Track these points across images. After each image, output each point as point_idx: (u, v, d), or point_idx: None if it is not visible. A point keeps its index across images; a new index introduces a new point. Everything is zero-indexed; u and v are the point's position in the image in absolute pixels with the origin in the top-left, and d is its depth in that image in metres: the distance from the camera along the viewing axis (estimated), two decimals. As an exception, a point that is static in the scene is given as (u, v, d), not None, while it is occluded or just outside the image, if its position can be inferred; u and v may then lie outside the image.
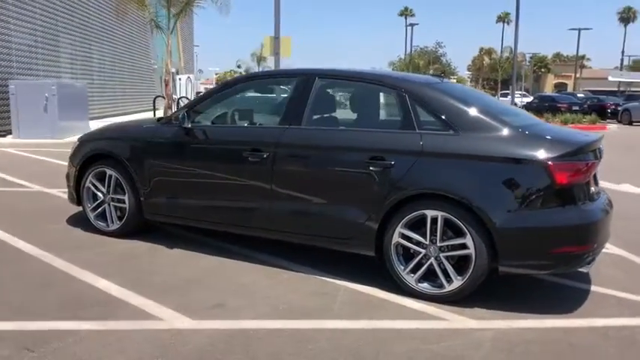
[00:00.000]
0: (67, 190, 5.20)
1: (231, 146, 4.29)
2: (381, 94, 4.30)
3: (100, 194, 4.87)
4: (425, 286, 3.65)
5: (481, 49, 74.26)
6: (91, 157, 4.88)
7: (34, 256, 4.32)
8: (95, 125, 15.27)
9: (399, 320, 3.35)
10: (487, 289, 3.61)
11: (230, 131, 4.47)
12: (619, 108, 27.61)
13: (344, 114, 4.32)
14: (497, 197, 3.44)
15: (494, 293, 3.71)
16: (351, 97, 4.38)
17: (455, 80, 29.71)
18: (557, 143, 3.53)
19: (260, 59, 65.01)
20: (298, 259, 4.34)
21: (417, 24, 58.11)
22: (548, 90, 63.26)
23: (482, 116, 3.68)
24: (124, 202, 4.74)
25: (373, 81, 4.21)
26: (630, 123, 25.47)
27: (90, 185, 4.90)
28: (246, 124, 4.64)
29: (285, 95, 5.98)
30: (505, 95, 44.30)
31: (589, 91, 44.83)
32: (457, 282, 3.53)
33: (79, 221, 5.24)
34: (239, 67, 79.05)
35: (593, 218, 3.49)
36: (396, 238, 3.67)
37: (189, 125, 4.37)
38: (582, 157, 3.51)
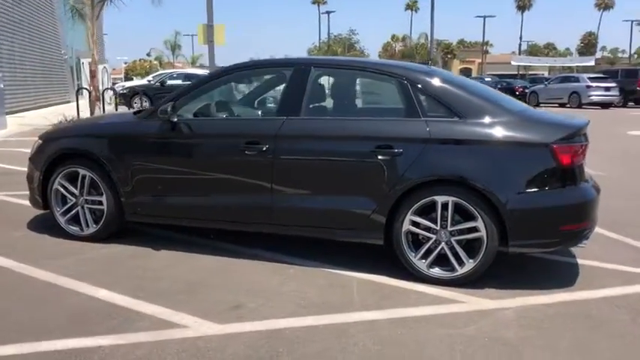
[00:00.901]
0: (12, 192, 4.74)
1: (225, 140, 4.11)
2: (381, 83, 4.27)
3: (70, 197, 4.50)
4: (436, 271, 3.70)
5: (393, 36, 76.30)
6: (58, 156, 4.48)
7: (9, 268, 3.91)
8: (12, 121, 14.11)
9: (421, 307, 3.38)
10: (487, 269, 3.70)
11: (222, 124, 4.24)
12: (527, 90, 29.53)
13: (343, 103, 4.24)
14: (506, 180, 3.56)
15: (495, 273, 3.79)
16: (350, 87, 4.31)
17: None
18: (557, 127, 3.70)
19: (174, 47, 62.81)
20: (297, 252, 4.24)
21: (334, 11, 58.75)
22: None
23: (484, 102, 3.77)
24: (101, 204, 4.39)
25: (371, 70, 4.18)
26: (537, 104, 27.20)
27: (59, 187, 4.50)
28: (239, 117, 4.44)
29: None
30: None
31: (493, 74, 47.47)
32: (469, 265, 3.62)
33: (44, 226, 4.81)
34: (148, 55, 75.73)
35: (591, 196, 3.71)
36: (406, 226, 3.69)
37: (176, 119, 4.13)
38: (578, 139, 3.70)
